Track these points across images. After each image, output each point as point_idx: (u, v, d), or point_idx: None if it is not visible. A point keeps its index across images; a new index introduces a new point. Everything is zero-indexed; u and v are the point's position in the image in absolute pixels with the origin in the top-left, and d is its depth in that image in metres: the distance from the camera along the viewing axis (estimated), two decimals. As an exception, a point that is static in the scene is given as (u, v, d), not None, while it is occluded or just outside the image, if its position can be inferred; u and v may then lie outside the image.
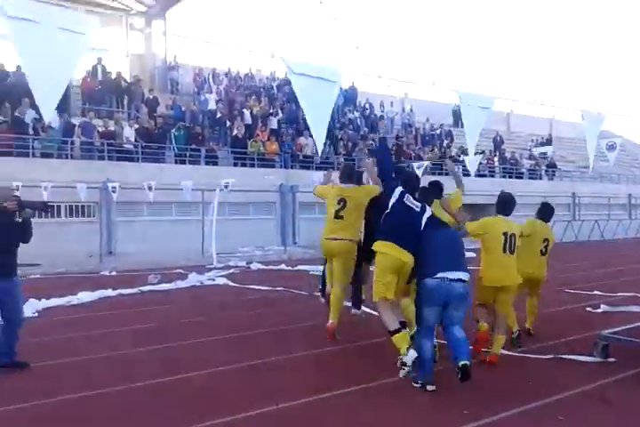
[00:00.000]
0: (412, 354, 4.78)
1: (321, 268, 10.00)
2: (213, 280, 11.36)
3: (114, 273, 12.49)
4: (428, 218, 5.16)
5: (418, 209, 5.18)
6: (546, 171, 29.02)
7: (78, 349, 6.22)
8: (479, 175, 25.42)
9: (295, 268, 13.21)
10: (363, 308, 7.63)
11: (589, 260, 16.03)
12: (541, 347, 6.23)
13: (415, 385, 4.83)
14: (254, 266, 13.64)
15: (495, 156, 27.57)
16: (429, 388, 4.76)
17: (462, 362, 4.60)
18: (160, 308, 8.66)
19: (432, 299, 4.77)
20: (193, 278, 11.19)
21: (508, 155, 27.95)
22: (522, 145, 33.40)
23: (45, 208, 5.63)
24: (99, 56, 20.84)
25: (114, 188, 14.17)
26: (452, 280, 4.74)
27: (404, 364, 4.85)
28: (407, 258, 5.03)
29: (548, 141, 32.60)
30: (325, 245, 6.51)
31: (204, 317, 7.93)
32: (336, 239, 6.35)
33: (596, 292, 9.93)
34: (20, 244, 5.41)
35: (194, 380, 5.20)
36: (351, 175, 6.76)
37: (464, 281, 4.80)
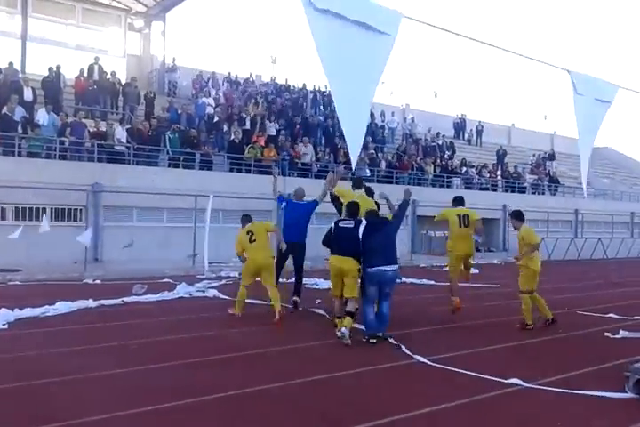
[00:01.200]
0: (345, 331, 6.78)
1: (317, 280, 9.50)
2: (203, 292, 10.67)
3: (98, 281, 11.80)
4: (363, 228, 7.12)
5: (352, 225, 7.21)
6: (549, 186, 28.48)
7: (33, 370, 5.48)
8: (481, 189, 24.94)
9: (289, 280, 12.51)
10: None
11: (596, 279, 15.39)
12: (565, 379, 5.57)
13: (363, 340, 6.93)
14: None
15: (497, 169, 27.03)
16: (372, 341, 6.89)
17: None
18: (140, 322, 7.95)
19: (372, 281, 7.04)
20: (181, 290, 10.49)
21: (511, 169, 27.37)
22: (523, 159, 32.94)
23: None
24: (96, 55, 20.29)
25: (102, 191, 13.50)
26: (384, 270, 6.97)
27: (342, 334, 6.79)
28: (346, 265, 7.07)
29: (551, 156, 32.09)
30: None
31: (184, 334, 7.23)
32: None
33: (610, 315, 9.30)
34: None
35: (169, 413, 4.51)
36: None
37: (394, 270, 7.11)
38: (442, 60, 62.27)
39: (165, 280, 12.00)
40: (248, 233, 8.48)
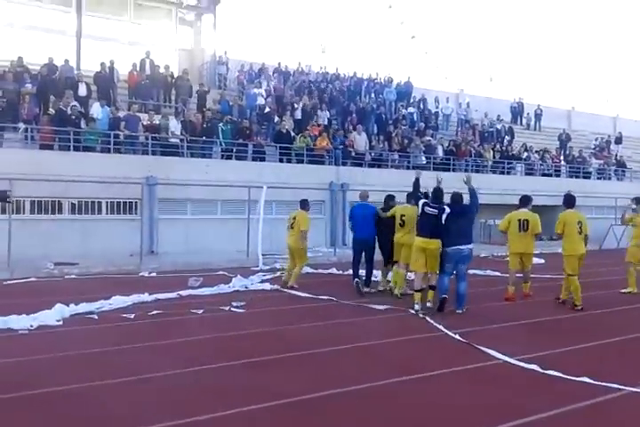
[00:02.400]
0: (417, 306, 8.04)
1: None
2: (260, 284, 10.44)
3: (153, 274, 11.71)
4: (447, 214, 8.09)
5: (436, 213, 8.16)
6: (615, 171, 26.94)
7: (68, 374, 5.16)
8: (544, 175, 23.83)
9: (346, 272, 12.12)
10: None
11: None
12: None
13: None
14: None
15: (561, 155, 25.73)
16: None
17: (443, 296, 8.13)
18: (196, 317, 7.70)
19: (450, 259, 8.10)
20: (237, 282, 10.25)
21: (575, 153, 25.99)
22: (585, 144, 31.34)
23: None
24: (147, 50, 20.34)
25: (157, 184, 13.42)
26: (461, 249, 8.03)
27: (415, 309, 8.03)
28: (430, 244, 8.15)
29: (618, 140, 30.38)
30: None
31: (250, 330, 6.93)
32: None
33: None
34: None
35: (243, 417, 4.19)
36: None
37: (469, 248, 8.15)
38: (496, 43, 60.02)
39: (220, 273, 11.82)
40: (292, 219, 10.08)
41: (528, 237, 9.33)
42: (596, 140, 31.13)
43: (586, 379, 5.04)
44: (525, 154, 23.91)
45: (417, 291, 8.21)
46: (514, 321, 7.69)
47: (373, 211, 9.81)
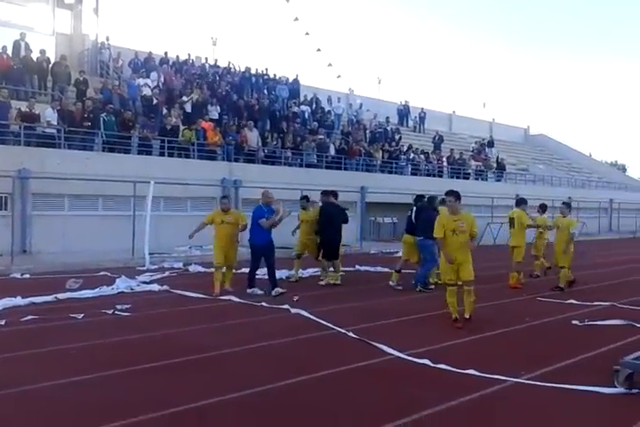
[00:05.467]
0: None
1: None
2: (147, 284, 9.87)
3: (27, 276, 10.75)
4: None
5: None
6: (494, 172, 28.80)
7: None
8: (427, 175, 24.89)
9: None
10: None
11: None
12: (547, 373, 5.22)
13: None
14: (193, 268, 12.19)
15: (437, 155, 26.94)
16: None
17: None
18: (76, 323, 7.11)
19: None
20: (121, 284, 9.62)
21: (456, 155, 27.39)
22: (465, 146, 33.23)
23: None
24: (22, 32, 18.65)
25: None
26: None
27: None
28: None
29: (490, 143, 32.54)
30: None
31: (137, 334, 6.49)
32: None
33: (571, 300, 9.15)
34: None
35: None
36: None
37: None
38: (385, 45, 62.10)
39: (102, 273, 11.09)
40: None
41: (516, 233, 10.83)
42: (475, 143, 33.13)
43: (472, 371, 5.20)
44: (412, 155, 24.87)
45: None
46: (405, 316, 7.83)
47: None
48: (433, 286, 10.09)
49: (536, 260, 12.14)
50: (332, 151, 21.05)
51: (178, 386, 4.74)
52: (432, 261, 9.82)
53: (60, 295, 8.52)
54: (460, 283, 7.31)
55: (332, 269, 10.61)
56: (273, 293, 9.04)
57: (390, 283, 10.29)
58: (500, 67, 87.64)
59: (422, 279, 10.07)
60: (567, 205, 11.04)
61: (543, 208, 12.21)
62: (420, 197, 10.76)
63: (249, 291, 9.22)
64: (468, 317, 7.25)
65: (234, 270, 9.78)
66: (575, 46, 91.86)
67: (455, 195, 7.27)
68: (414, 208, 10.52)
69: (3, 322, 6.79)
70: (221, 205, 9.62)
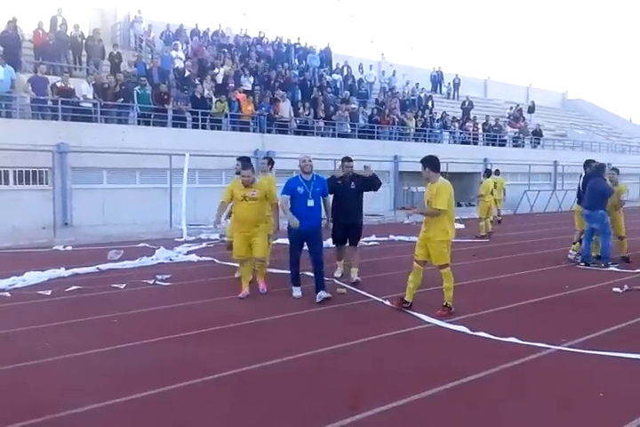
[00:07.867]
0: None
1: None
2: (186, 255, 10.06)
3: (69, 248, 11.04)
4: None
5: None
6: (530, 139, 28.05)
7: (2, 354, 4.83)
8: (462, 142, 24.45)
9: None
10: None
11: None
12: (588, 341, 5.17)
13: None
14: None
15: (466, 122, 26.24)
16: None
17: None
18: (118, 292, 7.32)
19: None
20: (161, 254, 9.83)
21: (492, 122, 26.75)
22: (500, 112, 32.39)
23: None
24: (59, 7, 18.73)
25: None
26: None
27: None
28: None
29: (531, 109, 31.59)
30: None
31: (177, 303, 6.65)
32: None
33: (612, 268, 8.98)
34: None
35: (161, 398, 3.96)
36: None
37: None
38: (417, 10, 60.49)
39: (142, 245, 11.33)
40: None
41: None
42: (511, 109, 32.21)
43: (512, 339, 5.18)
44: (448, 122, 24.38)
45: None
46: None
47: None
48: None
49: (480, 222, 13.47)
50: (362, 121, 20.73)
51: (220, 353, 4.86)
52: (607, 233, 9.20)
53: (102, 266, 8.77)
54: None
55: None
56: (317, 298, 6.73)
57: (569, 255, 9.79)
58: (536, 30, 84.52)
59: (607, 254, 9.23)
60: (616, 170, 10.63)
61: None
62: (588, 162, 9.93)
63: (295, 295, 7.04)
64: None
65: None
66: (612, 5, 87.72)
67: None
68: (583, 174, 9.85)
69: (49, 292, 7.04)
70: (242, 177, 6.96)
